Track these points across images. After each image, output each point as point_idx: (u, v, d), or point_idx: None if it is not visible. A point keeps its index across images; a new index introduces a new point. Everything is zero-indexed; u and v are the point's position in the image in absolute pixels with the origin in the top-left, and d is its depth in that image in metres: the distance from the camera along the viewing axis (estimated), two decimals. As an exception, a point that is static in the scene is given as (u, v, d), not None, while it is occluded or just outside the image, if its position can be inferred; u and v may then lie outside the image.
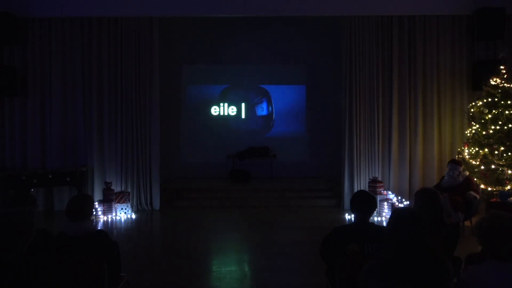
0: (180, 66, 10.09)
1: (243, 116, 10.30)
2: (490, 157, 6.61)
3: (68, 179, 7.19)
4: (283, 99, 10.29)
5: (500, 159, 6.53)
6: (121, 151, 7.75)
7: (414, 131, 7.81)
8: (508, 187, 6.41)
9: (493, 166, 6.56)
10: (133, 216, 7.31)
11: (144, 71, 7.74)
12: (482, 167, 6.63)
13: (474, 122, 7.03)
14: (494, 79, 6.85)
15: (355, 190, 7.53)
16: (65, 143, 7.78)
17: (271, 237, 6.09)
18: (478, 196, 6.13)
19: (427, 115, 7.83)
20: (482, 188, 6.53)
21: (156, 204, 7.84)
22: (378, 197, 6.99)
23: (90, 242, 2.95)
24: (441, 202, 3.23)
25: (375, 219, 6.87)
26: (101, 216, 7.18)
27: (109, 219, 7.14)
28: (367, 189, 7.10)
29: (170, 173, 9.39)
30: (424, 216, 2.19)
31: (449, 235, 3.16)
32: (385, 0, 7.73)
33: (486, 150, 6.67)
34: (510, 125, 6.59)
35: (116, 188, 7.58)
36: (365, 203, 3.03)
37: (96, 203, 7.11)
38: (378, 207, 6.93)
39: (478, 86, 7.32)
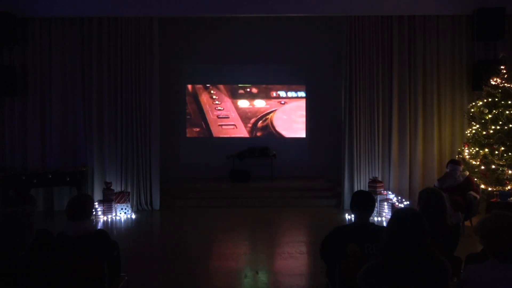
0: (180, 66, 10.09)
1: (243, 115, 10.29)
2: (490, 157, 6.61)
3: (68, 179, 7.18)
4: (283, 99, 10.29)
5: (500, 159, 6.52)
6: (121, 151, 7.75)
7: (414, 131, 7.81)
8: (508, 187, 6.41)
9: (493, 166, 6.56)
10: (133, 216, 7.30)
11: (144, 71, 7.74)
12: (482, 167, 6.63)
13: (474, 122, 7.02)
14: (494, 79, 6.85)
15: (355, 190, 7.52)
16: (65, 143, 7.78)
17: (271, 237, 6.09)
18: (478, 196, 6.13)
19: (427, 115, 7.83)
20: (482, 188, 6.52)
21: (156, 204, 7.83)
22: (378, 197, 6.99)
23: (90, 242, 2.95)
24: (445, 203, 3.24)
25: (375, 219, 6.87)
26: (101, 216, 7.18)
27: (109, 219, 7.13)
28: (367, 189, 7.10)
29: (170, 173, 9.39)
30: (425, 216, 2.19)
31: (450, 236, 3.16)
32: (385, 0, 7.73)
33: (486, 150, 6.66)
34: (510, 125, 6.59)
35: (116, 188, 7.57)
36: (365, 203, 3.03)
37: (96, 203, 7.11)
38: (378, 207, 6.93)
39: (478, 86, 7.31)
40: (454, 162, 6.34)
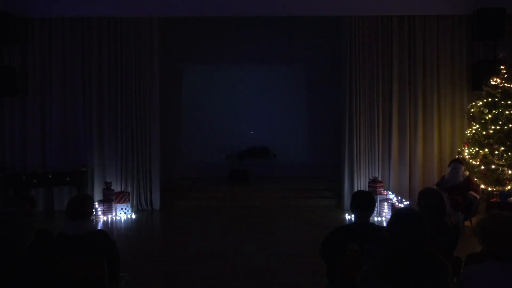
0: (180, 66, 10.08)
1: (243, 116, 10.29)
2: (490, 157, 6.61)
3: (68, 179, 7.18)
4: (283, 99, 10.29)
5: (500, 159, 6.52)
6: (121, 151, 7.74)
7: (414, 131, 7.81)
8: (508, 187, 6.41)
9: (493, 166, 6.56)
10: (133, 216, 7.30)
11: (144, 71, 7.74)
12: (482, 167, 6.63)
13: (474, 122, 7.02)
14: (494, 79, 6.85)
15: (355, 190, 7.52)
16: (65, 143, 7.77)
17: (271, 237, 6.08)
18: (478, 196, 6.13)
19: (427, 115, 7.83)
20: (482, 188, 6.53)
21: (156, 204, 7.83)
22: (378, 197, 6.99)
23: (90, 242, 2.95)
24: (445, 203, 3.24)
25: (375, 219, 6.87)
26: (101, 216, 7.17)
27: (109, 219, 7.13)
28: (367, 189, 7.10)
29: (170, 173, 9.38)
30: (425, 216, 2.19)
31: (449, 236, 3.16)
32: (385, 0, 7.73)
33: (486, 150, 6.66)
34: (510, 125, 6.59)
35: (116, 188, 7.57)
36: (365, 202, 3.03)
37: (96, 203, 7.10)
38: (378, 207, 6.93)
39: (478, 86, 7.31)
40: (457, 161, 6.36)
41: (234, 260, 5.02)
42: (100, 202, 7.23)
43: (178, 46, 9.67)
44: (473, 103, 7.22)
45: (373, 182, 7.37)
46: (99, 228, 6.33)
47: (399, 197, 7.23)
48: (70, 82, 7.78)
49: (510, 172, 6.46)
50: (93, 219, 6.73)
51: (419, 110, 7.79)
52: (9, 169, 7.23)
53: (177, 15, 7.99)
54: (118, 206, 7.33)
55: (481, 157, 6.71)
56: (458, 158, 6.65)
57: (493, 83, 6.84)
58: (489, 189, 6.56)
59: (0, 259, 2.11)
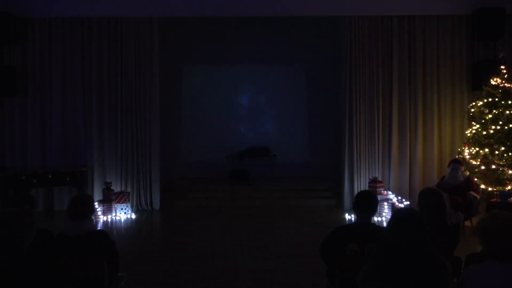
0: (180, 66, 10.08)
1: (243, 116, 10.28)
2: (490, 157, 6.61)
3: (68, 179, 7.18)
4: (283, 99, 10.28)
5: (500, 159, 6.53)
6: (121, 151, 7.74)
7: (414, 131, 7.81)
8: (508, 187, 6.41)
9: (493, 166, 6.56)
10: (133, 216, 7.30)
11: (144, 71, 7.74)
12: (483, 167, 6.63)
13: (474, 122, 7.03)
14: (494, 79, 6.85)
15: (355, 190, 7.54)
16: (65, 143, 7.77)
17: (271, 237, 6.08)
18: (478, 196, 6.13)
19: (427, 115, 7.83)
20: (482, 188, 6.53)
21: (156, 204, 7.83)
22: (378, 197, 6.98)
23: (90, 242, 2.95)
24: (445, 202, 3.24)
25: (375, 219, 6.87)
26: (101, 216, 7.17)
27: (109, 219, 7.13)
28: (367, 189, 7.10)
29: (170, 173, 9.38)
30: (425, 216, 2.19)
31: (449, 236, 3.16)
32: (385, 0, 7.73)
33: (486, 150, 6.67)
34: (510, 125, 6.59)
35: (116, 188, 7.57)
36: (366, 202, 3.03)
37: (96, 203, 7.10)
38: (378, 207, 6.92)
39: (478, 86, 7.31)
40: (456, 161, 6.36)
41: (234, 260, 5.01)
42: (100, 202, 7.23)
43: (178, 46, 9.65)
44: (473, 103, 7.22)
45: (373, 182, 7.37)
46: (99, 228, 6.33)
47: (399, 197, 7.23)
48: (70, 82, 7.78)
49: (510, 172, 6.46)
50: (93, 219, 6.72)
51: (419, 110, 7.79)
52: (9, 169, 7.22)
53: (177, 15, 7.99)
54: (118, 206, 7.33)
55: (481, 157, 6.71)
56: (457, 158, 6.65)
57: (493, 83, 6.84)
58: (489, 189, 6.56)
59: (0, 259, 2.11)
